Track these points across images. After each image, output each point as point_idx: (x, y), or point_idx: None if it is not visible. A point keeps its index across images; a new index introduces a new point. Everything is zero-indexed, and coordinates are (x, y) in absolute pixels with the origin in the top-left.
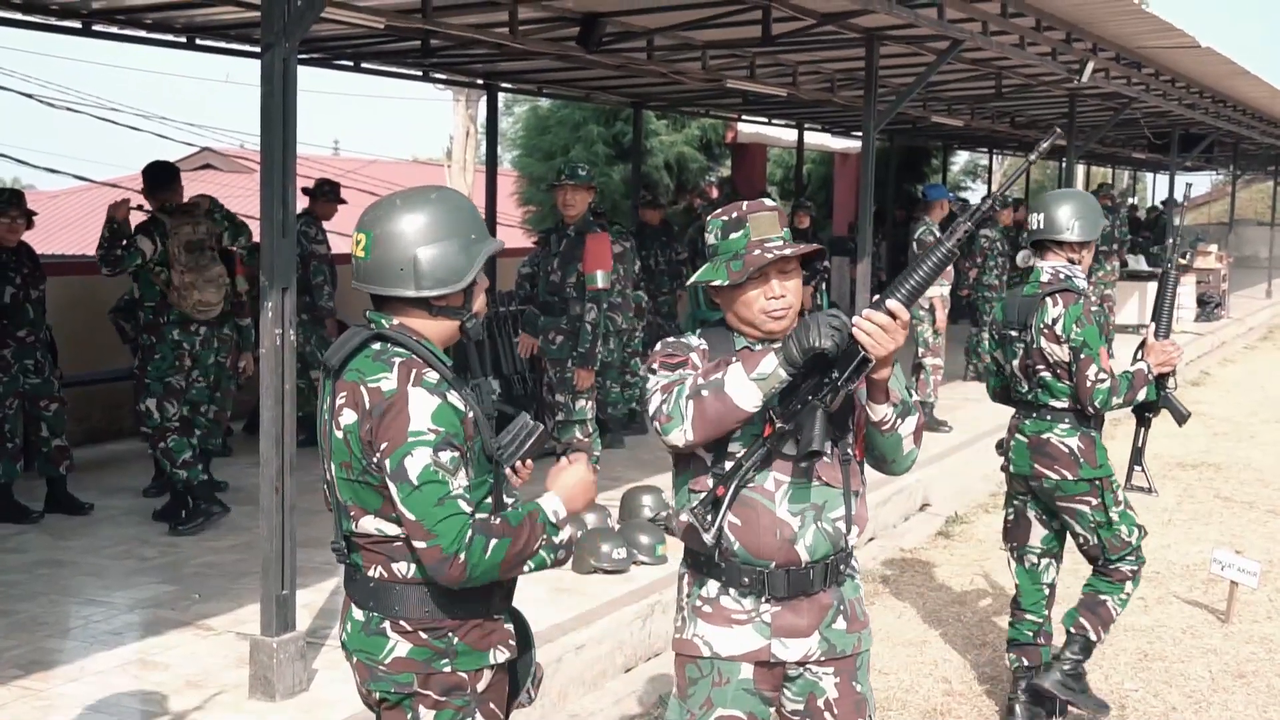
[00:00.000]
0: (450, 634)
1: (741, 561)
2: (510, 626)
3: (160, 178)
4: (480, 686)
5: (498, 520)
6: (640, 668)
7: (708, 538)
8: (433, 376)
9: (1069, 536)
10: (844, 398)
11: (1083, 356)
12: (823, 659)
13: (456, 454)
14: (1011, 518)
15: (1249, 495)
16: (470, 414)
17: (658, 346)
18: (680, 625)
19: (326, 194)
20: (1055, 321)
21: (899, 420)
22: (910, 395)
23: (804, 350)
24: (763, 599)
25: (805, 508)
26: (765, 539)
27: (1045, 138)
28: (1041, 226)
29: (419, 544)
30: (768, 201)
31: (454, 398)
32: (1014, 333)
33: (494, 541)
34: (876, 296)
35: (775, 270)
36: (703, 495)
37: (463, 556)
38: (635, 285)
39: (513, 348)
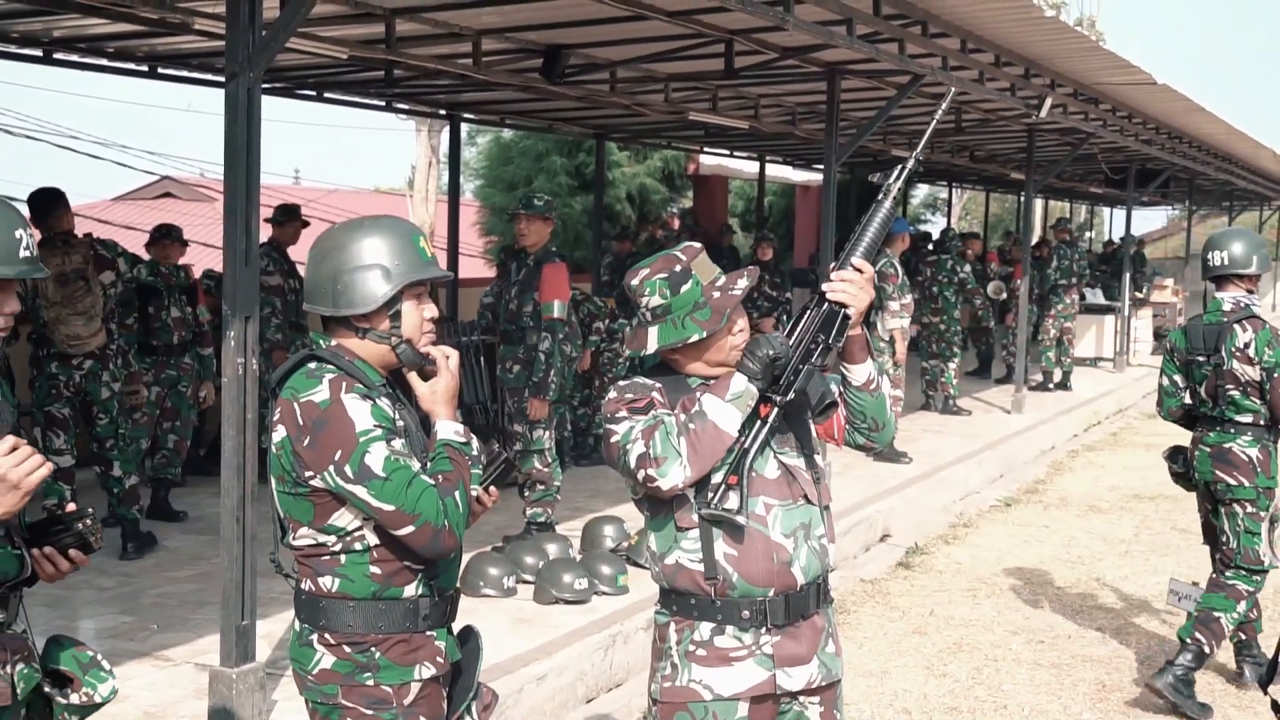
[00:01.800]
0: (373, 649)
1: (740, 595)
2: (441, 644)
3: (41, 205)
4: (407, 700)
5: (440, 477)
6: (601, 699)
7: (741, 518)
8: (360, 388)
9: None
10: (826, 361)
11: (1275, 376)
12: (821, 685)
13: (403, 440)
14: (1203, 524)
15: None
16: (401, 423)
17: (612, 392)
18: (670, 673)
19: (291, 215)
20: (1247, 345)
21: (880, 378)
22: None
23: (761, 360)
24: (762, 630)
25: (796, 528)
26: (763, 565)
27: (944, 99)
28: (1225, 262)
29: (406, 529)
30: (694, 245)
31: (383, 403)
32: (1201, 357)
33: (456, 494)
34: (833, 264)
35: (736, 309)
36: (689, 531)
37: (447, 523)
38: (614, 317)
39: (476, 377)
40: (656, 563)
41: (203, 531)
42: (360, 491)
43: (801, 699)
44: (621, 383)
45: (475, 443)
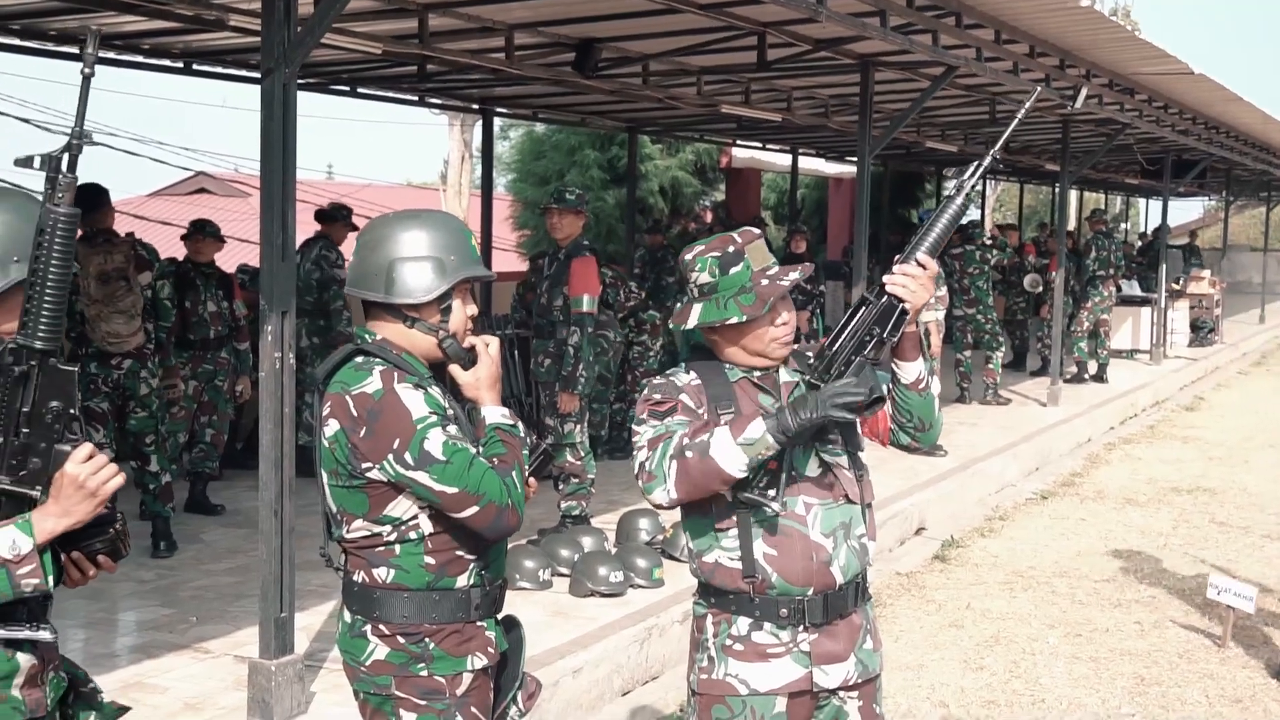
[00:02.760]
0: (427, 639)
1: (779, 593)
2: (492, 634)
3: (84, 201)
4: (459, 690)
5: (496, 460)
6: (637, 691)
7: (775, 505)
8: (412, 378)
9: None
10: (883, 353)
11: None
12: (858, 681)
13: (458, 425)
14: None
15: (1244, 520)
16: (451, 410)
17: (645, 390)
18: (707, 665)
19: (344, 218)
20: None
21: (931, 378)
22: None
23: (801, 423)
24: (800, 628)
25: (835, 528)
26: (802, 564)
27: (1029, 97)
28: None
29: (470, 510)
30: (754, 230)
31: (434, 391)
32: None
33: (515, 473)
34: (898, 256)
35: (781, 299)
36: (728, 530)
37: (510, 501)
38: (645, 306)
39: (508, 370)
40: (694, 559)
41: (240, 525)
42: (422, 477)
43: (840, 694)
44: (656, 380)
45: (521, 425)
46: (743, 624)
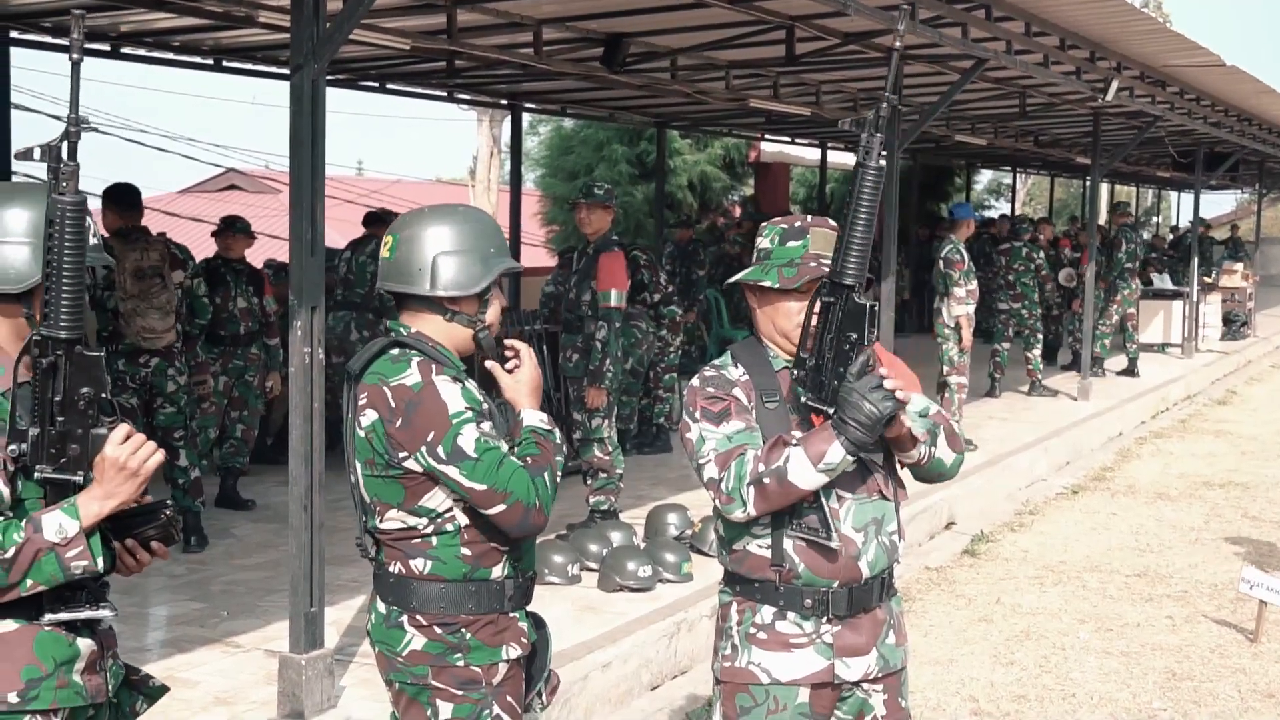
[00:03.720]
0: (463, 629)
1: (804, 584)
2: (524, 625)
3: (122, 199)
4: (495, 680)
5: (529, 460)
6: (666, 686)
7: (833, 543)
8: (451, 370)
9: None
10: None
11: None
12: (879, 675)
13: (491, 423)
14: None
15: (1277, 514)
16: (486, 405)
17: (695, 381)
18: (730, 654)
19: (387, 222)
20: None
21: (931, 449)
22: (929, 409)
23: (866, 427)
24: (824, 620)
25: (868, 523)
26: (831, 558)
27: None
28: None
29: (498, 508)
30: (831, 221)
31: (471, 385)
32: None
33: (545, 475)
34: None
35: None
36: (761, 519)
37: (538, 501)
38: (668, 300)
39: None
40: (724, 547)
41: (270, 520)
42: (453, 472)
43: (864, 686)
44: (707, 372)
45: (558, 431)
46: (767, 613)
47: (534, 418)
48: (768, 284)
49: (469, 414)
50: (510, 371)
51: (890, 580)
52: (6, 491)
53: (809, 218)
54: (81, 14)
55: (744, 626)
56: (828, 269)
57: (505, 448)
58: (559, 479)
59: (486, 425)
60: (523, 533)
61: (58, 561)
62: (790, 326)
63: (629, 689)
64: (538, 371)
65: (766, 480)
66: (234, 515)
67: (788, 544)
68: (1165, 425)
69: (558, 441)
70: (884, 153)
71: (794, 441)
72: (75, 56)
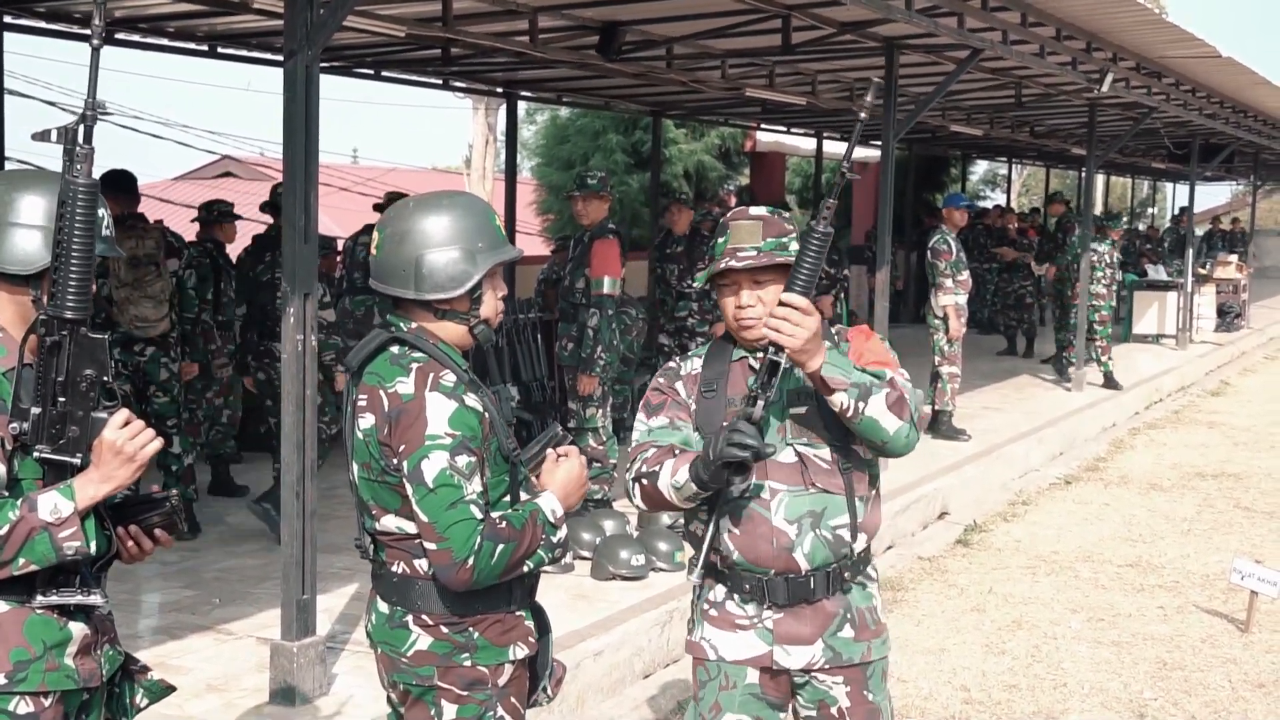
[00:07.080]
0: (470, 629)
1: (742, 569)
2: (530, 623)
3: (118, 186)
4: (501, 681)
5: (503, 524)
6: (659, 674)
7: (737, 489)
8: (449, 379)
9: None
10: (767, 404)
11: None
12: (828, 667)
13: (473, 458)
14: None
15: (1270, 505)
16: (487, 414)
17: (657, 372)
18: (690, 627)
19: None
20: None
21: (859, 403)
22: (871, 375)
23: (707, 464)
24: (764, 606)
25: (802, 515)
26: (762, 547)
27: (867, 99)
28: None
29: (430, 545)
30: (753, 210)
31: (471, 400)
32: None
33: (500, 546)
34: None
35: (747, 280)
36: (702, 506)
37: (470, 562)
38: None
39: (533, 355)
40: (685, 527)
41: None
42: (408, 489)
43: (821, 677)
44: (670, 364)
45: (563, 533)
46: (719, 591)
47: (550, 502)
48: (697, 285)
49: (446, 441)
50: (557, 460)
51: (842, 575)
52: (3, 470)
53: (735, 210)
54: (103, 1)
55: (700, 602)
56: (735, 262)
57: (473, 488)
58: (522, 569)
59: (462, 460)
60: (443, 580)
61: (50, 541)
62: (730, 320)
63: (621, 677)
64: (583, 474)
65: (644, 481)
66: (227, 503)
67: (723, 530)
68: (1159, 416)
69: (553, 540)
70: (828, 217)
71: (676, 454)
72: (96, 43)
